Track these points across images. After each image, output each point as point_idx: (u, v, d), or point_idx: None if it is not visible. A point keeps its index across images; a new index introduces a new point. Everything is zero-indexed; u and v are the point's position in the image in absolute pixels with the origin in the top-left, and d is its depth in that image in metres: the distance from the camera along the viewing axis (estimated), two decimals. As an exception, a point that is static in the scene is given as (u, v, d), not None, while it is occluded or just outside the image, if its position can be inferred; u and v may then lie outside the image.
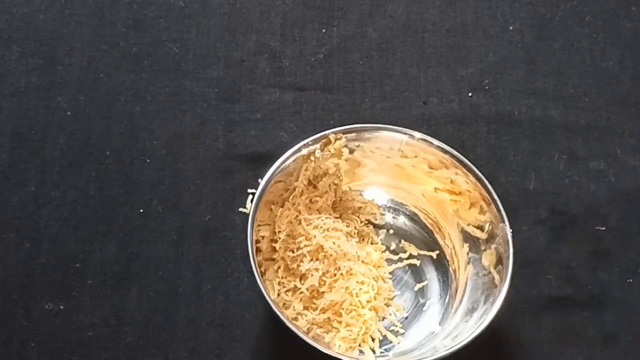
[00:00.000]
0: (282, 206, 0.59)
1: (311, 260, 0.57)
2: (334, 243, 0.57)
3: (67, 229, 0.61)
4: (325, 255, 0.57)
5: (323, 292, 0.56)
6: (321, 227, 0.58)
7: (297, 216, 0.59)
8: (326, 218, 0.59)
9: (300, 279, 0.57)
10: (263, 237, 0.58)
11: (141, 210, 0.62)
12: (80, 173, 0.63)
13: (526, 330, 0.60)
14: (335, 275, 0.57)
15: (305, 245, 0.57)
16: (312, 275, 0.56)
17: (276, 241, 0.58)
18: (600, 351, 0.60)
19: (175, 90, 0.67)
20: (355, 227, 0.61)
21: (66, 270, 0.59)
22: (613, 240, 0.63)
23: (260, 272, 0.54)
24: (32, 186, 0.62)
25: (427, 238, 0.62)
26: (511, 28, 0.72)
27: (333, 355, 0.50)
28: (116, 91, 0.66)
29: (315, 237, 0.57)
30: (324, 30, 0.71)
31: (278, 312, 0.50)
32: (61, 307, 0.58)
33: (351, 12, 0.72)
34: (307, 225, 0.58)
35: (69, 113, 0.65)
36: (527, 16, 0.73)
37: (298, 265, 0.57)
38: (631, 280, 0.62)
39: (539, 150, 0.67)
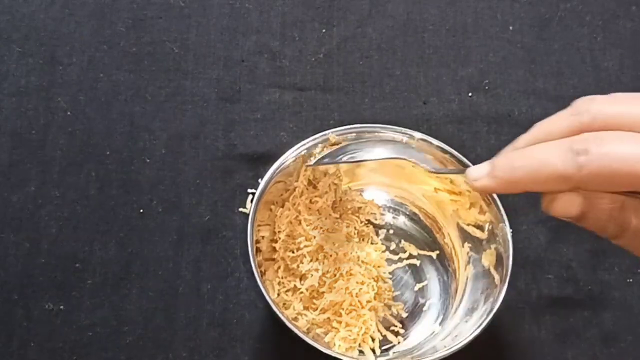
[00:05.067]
0: (282, 206, 0.59)
1: (311, 260, 0.57)
2: (334, 244, 0.57)
3: (67, 229, 0.61)
4: (325, 256, 0.57)
5: (323, 293, 0.56)
6: (321, 228, 0.58)
7: (297, 216, 0.59)
8: (326, 219, 0.59)
9: (300, 279, 0.57)
10: (263, 237, 0.58)
11: (141, 210, 0.62)
12: (80, 173, 0.63)
13: (526, 330, 0.60)
14: (335, 275, 0.57)
15: (305, 246, 0.57)
16: (312, 275, 0.57)
17: (276, 241, 0.58)
18: (600, 351, 0.60)
19: (175, 90, 0.67)
20: (355, 228, 0.61)
21: (66, 270, 0.59)
22: (613, 240, 0.63)
23: (260, 272, 0.54)
24: (32, 186, 0.62)
25: (427, 238, 0.62)
26: (511, 28, 0.72)
27: (333, 355, 0.50)
28: (116, 91, 0.66)
29: (315, 237, 0.57)
30: (324, 30, 0.71)
31: (278, 312, 0.50)
32: (61, 307, 0.58)
33: (351, 12, 0.72)
34: (307, 225, 0.58)
35: (69, 113, 0.65)
36: (527, 16, 0.73)
37: (298, 266, 0.57)
38: (631, 280, 0.62)
39: (539, 150, 0.67)
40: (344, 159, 0.57)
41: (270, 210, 0.59)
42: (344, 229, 0.59)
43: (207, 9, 0.71)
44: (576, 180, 0.35)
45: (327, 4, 0.72)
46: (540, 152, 0.37)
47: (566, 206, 0.38)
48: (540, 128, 0.39)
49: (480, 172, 0.40)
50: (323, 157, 0.58)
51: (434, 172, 0.55)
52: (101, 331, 0.57)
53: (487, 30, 0.72)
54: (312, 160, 0.58)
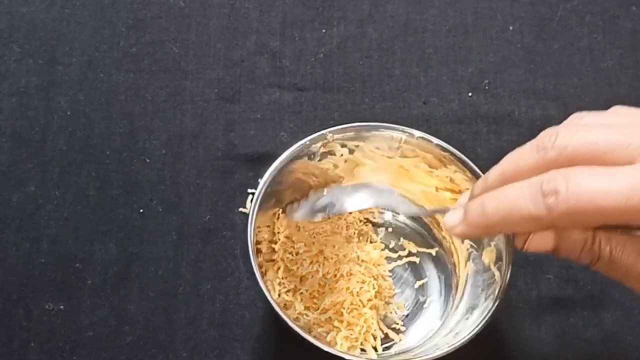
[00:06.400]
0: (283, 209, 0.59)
1: (311, 263, 0.57)
2: (334, 246, 0.57)
3: (67, 229, 0.61)
4: (325, 258, 0.57)
5: (324, 293, 0.56)
6: (320, 234, 0.58)
7: (296, 223, 0.59)
8: (325, 223, 0.59)
9: (301, 281, 0.57)
10: (263, 237, 0.58)
11: (141, 210, 0.62)
12: (80, 173, 0.63)
13: (526, 330, 0.60)
14: (335, 276, 0.57)
15: (305, 251, 0.57)
16: (312, 277, 0.57)
17: (275, 242, 0.58)
18: (600, 351, 0.59)
19: (175, 90, 0.67)
20: (355, 229, 0.61)
21: (66, 270, 0.59)
22: (613, 240, 0.63)
23: (261, 272, 0.54)
24: (32, 186, 0.62)
25: (426, 236, 0.62)
26: (511, 28, 0.72)
27: (335, 354, 0.49)
28: (116, 91, 0.66)
29: (314, 244, 0.57)
30: (324, 30, 0.71)
31: (280, 313, 0.50)
32: (61, 307, 0.58)
33: (351, 12, 0.72)
34: (306, 232, 0.58)
35: (69, 113, 0.65)
36: (527, 16, 0.73)
37: (298, 268, 0.57)
38: (631, 280, 0.62)
39: (539, 150, 0.67)
40: (325, 211, 0.55)
41: (271, 210, 0.59)
42: (343, 231, 0.59)
43: (207, 9, 0.71)
44: (547, 221, 0.36)
45: (327, 4, 0.72)
46: (510, 196, 0.38)
47: (540, 243, 0.40)
48: (509, 164, 0.40)
49: (455, 220, 0.42)
50: (300, 209, 0.58)
51: (414, 215, 0.58)
52: (101, 331, 0.57)
53: (487, 30, 0.72)
54: (293, 215, 0.58)
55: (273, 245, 0.58)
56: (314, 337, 0.50)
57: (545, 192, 0.36)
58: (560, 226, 0.37)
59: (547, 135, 0.38)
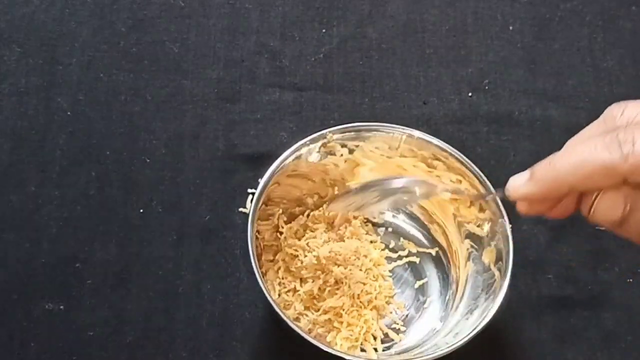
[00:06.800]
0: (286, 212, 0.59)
1: (316, 270, 0.57)
2: (335, 254, 0.57)
3: (67, 229, 0.61)
4: (327, 266, 0.57)
5: (324, 296, 0.56)
6: (322, 247, 0.58)
7: (297, 231, 0.59)
8: (326, 232, 0.59)
9: (301, 282, 0.57)
10: (263, 237, 0.58)
11: (141, 210, 0.62)
12: (80, 173, 0.63)
13: (526, 330, 0.60)
14: (337, 283, 0.57)
15: (313, 263, 0.57)
16: (312, 281, 0.57)
17: (278, 240, 0.58)
18: (600, 351, 0.59)
19: (175, 90, 0.67)
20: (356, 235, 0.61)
21: (66, 270, 0.59)
22: (613, 240, 0.63)
23: (261, 272, 0.54)
24: (32, 186, 0.62)
25: (426, 236, 0.62)
26: (511, 28, 0.72)
27: (335, 354, 0.49)
28: (116, 91, 0.66)
29: (317, 257, 0.57)
30: (324, 30, 0.71)
31: (280, 313, 0.50)
32: (61, 307, 0.58)
33: (351, 12, 0.72)
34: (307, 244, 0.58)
35: (69, 113, 0.65)
36: (527, 16, 0.73)
37: (299, 270, 0.57)
38: (631, 280, 0.62)
39: (539, 150, 0.67)
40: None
41: (271, 210, 0.59)
42: (345, 237, 0.59)
43: (207, 9, 0.71)
44: (623, 171, 0.34)
45: (327, 4, 0.72)
46: (581, 148, 0.36)
47: (609, 206, 0.37)
48: (575, 138, 0.38)
49: (520, 180, 0.39)
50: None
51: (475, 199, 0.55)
52: (101, 331, 0.57)
53: (487, 30, 0.72)
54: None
55: (274, 244, 0.58)
56: (314, 337, 0.50)
57: (621, 139, 0.34)
58: (635, 178, 0.34)
59: (614, 109, 0.37)
